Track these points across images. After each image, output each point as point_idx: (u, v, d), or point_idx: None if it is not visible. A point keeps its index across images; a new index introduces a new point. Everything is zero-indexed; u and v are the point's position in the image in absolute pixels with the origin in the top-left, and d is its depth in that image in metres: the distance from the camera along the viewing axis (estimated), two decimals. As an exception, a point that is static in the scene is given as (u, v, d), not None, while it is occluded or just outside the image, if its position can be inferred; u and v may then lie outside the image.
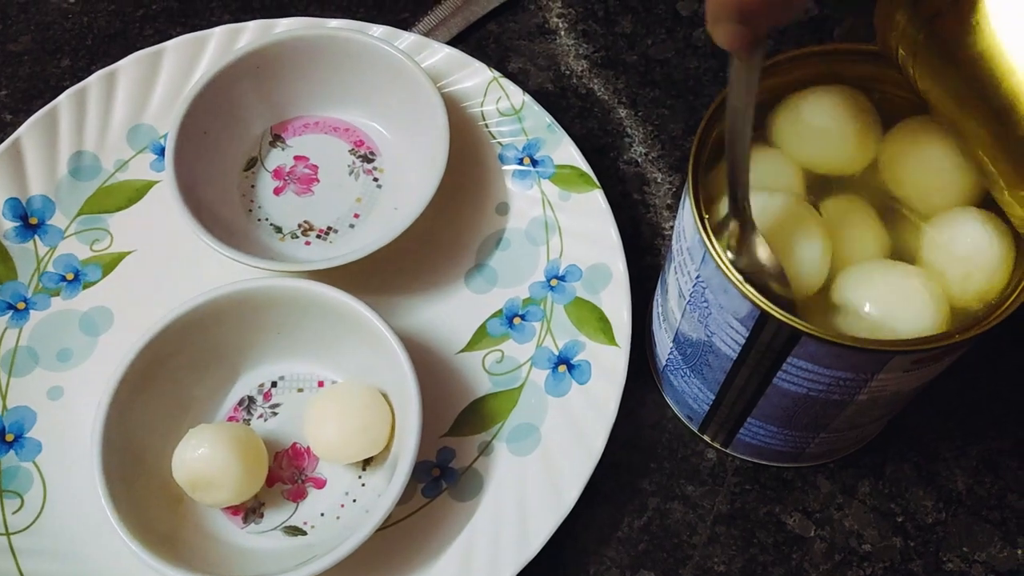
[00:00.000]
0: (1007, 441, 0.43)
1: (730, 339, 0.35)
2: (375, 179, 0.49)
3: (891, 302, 0.33)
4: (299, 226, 0.48)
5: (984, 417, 0.44)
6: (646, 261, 0.48)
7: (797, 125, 0.36)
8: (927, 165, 0.35)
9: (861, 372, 0.33)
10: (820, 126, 0.36)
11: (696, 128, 0.34)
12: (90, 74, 0.49)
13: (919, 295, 0.33)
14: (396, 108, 0.49)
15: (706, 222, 0.33)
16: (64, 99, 0.48)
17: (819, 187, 0.36)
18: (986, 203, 0.34)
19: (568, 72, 0.53)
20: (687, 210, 0.34)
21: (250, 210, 0.48)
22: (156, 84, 0.49)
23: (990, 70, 0.30)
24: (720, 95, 0.34)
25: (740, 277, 0.32)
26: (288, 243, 0.47)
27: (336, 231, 0.48)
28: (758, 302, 0.31)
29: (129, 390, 0.40)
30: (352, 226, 0.48)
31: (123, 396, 0.39)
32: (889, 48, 0.34)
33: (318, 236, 0.48)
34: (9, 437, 0.43)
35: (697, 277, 0.34)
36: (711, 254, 0.32)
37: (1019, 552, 0.41)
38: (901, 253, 0.35)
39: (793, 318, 0.31)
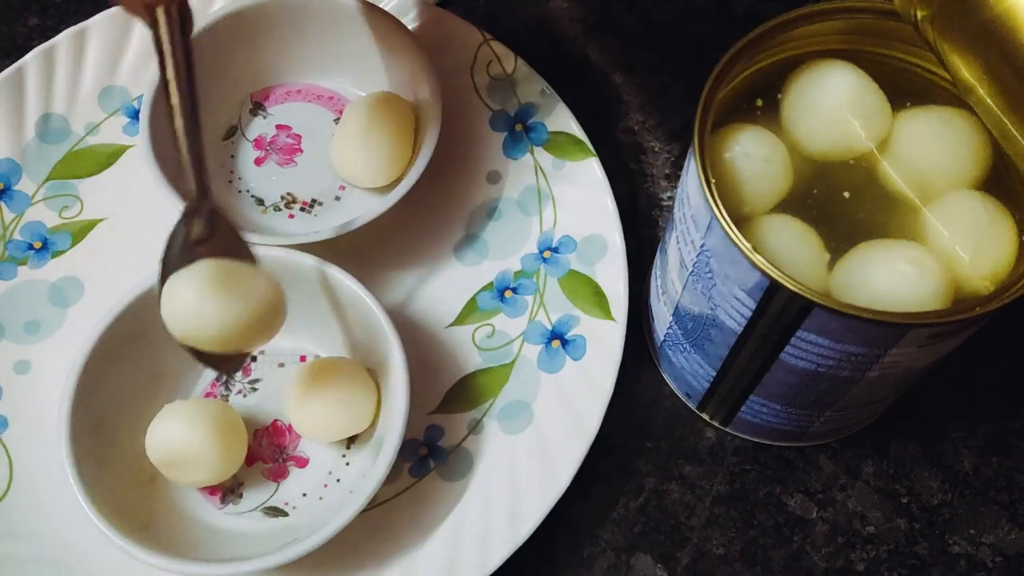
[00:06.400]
0: (1017, 421, 0.42)
1: (735, 312, 0.33)
2: (362, 148, 0.47)
3: (896, 281, 0.31)
4: (282, 198, 0.46)
5: (993, 396, 0.43)
6: (643, 233, 0.46)
7: (802, 104, 0.34)
8: (935, 148, 0.34)
9: (874, 347, 0.31)
10: (826, 107, 0.34)
11: (698, 94, 0.32)
12: (59, 32, 0.46)
13: (924, 274, 0.31)
14: (383, 74, 0.47)
15: (713, 187, 0.31)
16: (31, 59, 0.46)
17: (821, 167, 0.34)
18: (989, 187, 0.33)
19: (562, 36, 0.51)
20: (692, 174, 0.32)
21: (230, 181, 0.46)
22: (129, 43, 0.47)
23: (1014, 29, 0.29)
24: (728, 54, 0.33)
25: (749, 245, 0.30)
26: (271, 216, 0.45)
27: (321, 204, 0.46)
28: (769, 272, 0.30)
29: (100, 364, 0.38)
30: (338, 199, 0.46)
31: (93, 370, 0.38)
32: (907, 10, 0.32)
33: (302, 209, 0.46)
34: (-27, 413, 0.41)
35: (702, 246, 0.33)
36: (719, 221, 0.31)
37: (1027, 535, 0.40)
38: (906, 234, 0.33)
39: (807, 288, 0.29)
